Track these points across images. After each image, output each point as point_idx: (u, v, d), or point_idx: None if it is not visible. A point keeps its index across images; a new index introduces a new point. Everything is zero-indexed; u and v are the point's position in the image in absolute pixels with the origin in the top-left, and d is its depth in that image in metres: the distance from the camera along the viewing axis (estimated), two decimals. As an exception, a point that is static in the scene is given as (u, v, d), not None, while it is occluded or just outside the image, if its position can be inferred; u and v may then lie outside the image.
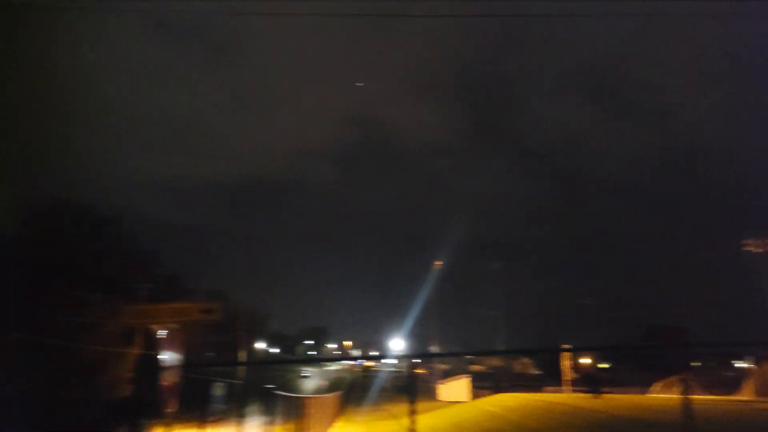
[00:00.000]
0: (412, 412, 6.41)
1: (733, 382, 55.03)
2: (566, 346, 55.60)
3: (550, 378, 68.32)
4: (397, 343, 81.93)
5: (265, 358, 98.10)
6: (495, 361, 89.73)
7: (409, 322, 75.62)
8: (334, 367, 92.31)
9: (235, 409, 25.80)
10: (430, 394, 53.82)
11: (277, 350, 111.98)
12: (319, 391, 51.54)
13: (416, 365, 76.83)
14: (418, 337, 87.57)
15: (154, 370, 28.61)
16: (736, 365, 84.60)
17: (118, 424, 32.02)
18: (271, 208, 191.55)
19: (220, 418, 30.59)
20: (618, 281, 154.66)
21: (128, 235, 43.48)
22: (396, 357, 63.44)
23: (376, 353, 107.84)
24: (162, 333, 31.71)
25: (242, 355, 48.48)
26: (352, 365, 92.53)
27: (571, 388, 47.73)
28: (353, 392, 57.62)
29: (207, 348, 47.20)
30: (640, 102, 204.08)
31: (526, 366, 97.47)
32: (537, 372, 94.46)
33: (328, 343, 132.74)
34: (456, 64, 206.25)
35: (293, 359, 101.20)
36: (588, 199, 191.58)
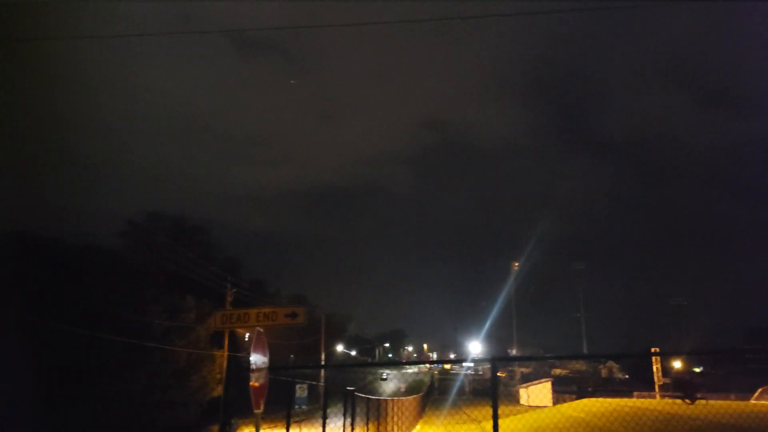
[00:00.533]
0: (495, 416, 6.34)
1: None
2: (655, 350, 52.69)
3: (639, 383, 65.02)
4: (475, 346, 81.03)
5: (346, 361, 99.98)
6: (579, 365, 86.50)
7: (488, 324, 74.57)
8: (412, 369, 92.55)
9: (318, 410, 26.56)
10: (511, 398, 52.79)
11: (354, 353, 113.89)
12: (398, 393, 51.91)
13: (498, 368, 75.43)
14: (497, 340, 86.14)
15: (242, 372, 30.04)
16: None
17: (210, 423, 33.84)
18: (351, 213, 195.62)
19: (304, 418, 31.58)
20: (713, 280, 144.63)
21: (216, 242, 46.09)
22: (475, 360, 62.68)
23: (455, 356, 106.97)
24: (248, 336, 33.17)
25: (323, 358, 49.76)
26: (431, 368, 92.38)
27: (661, 393, 45.16)
28: (432, 395, 57.53)
29: (291, 351, 48.88)
30: (733, 90, 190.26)
31: (613, 370, 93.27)
32: (624, 376, 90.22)
33: (406, 345, 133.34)
34: (534, 61, 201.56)
35: (374, 362, 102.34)
36: (679, 194, 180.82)
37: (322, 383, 42.64)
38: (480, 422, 24.98)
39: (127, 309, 27.32)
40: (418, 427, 30.42)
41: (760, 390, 46.20)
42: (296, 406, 38.31)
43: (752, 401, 42.72)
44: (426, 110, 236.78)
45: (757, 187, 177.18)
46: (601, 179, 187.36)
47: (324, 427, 9.74)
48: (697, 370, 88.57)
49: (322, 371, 43.91)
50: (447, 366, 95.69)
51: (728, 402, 40.15)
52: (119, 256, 33.86)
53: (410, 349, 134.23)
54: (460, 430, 25.16)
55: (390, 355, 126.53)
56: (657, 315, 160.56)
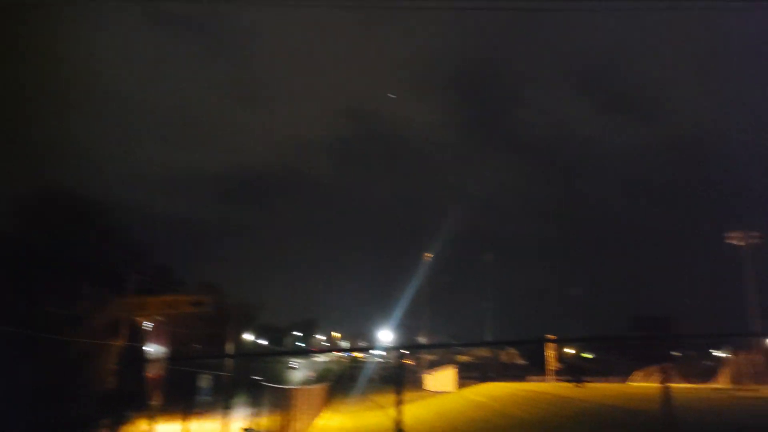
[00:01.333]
0: (399, 403, 6.51)
1: (711, 371, 56.14)
2: (551, 337, 56.23)
3: (536, 368, 69.19)
4: (386, 335, 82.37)
5: (253, 350, 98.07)
6: (482, 352, 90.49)
7: (399, 313, 76.13)
8: (322, 358, 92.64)
9: (222, 401, 25.90)
10: (417, 385, 54.30)
11: (265, 342, 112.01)
12: (307, 382, 51.79)
13: (404, 356, 77.35)
14: (407, 329, 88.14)
15: (139, 363, 28.59)
16: (714, 354, 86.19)
17: (103, 416, 32.01)
18: (267, 200, 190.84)
19: (206, 410, 30.71)
20: (608, 273, 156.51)
21: (119, 225, 43.24)
22: (384, 348, 63.83)
23: (365, 344, 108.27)
24: (149, 325, 31.65)
25: (230, 347, 48.49)
26: (340, 356, 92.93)
27: (555, 377, 48.43)
28: (341, 383, 57.95)
29: (195, 340, 47.15)
30: (634, 95, 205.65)
31: (512, 356, 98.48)
32: (523, 362, 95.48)
33: (316, 334, 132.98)
34: (454, 58, 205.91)
35: (282, 351, 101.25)
36: (582, 192, 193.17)
37: (228, 373, 41.61)
38: (386, 408, 25.51)
39: (15, 296, 25.16)
40: (325, 414, 30.55)
41: (637, 373, 50.77)
42: (200, 398, 37.12)
43: (630, 383, 46.84)
44: (349, 99, 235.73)
45: (650, 186, 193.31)
46: (514, 176, 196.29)
47: (227, 417, 9.55)
48: (588, 355, 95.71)
49: (228, 361, 42.82)
50: (358, 354, 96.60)
51: (611, 385, 43.78)
52: (10, 238, 30.98)
53: (322, 337, 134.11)
54: (366, 417, 25.56)
55: (301, 344, 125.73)
56: (557, 305, 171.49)
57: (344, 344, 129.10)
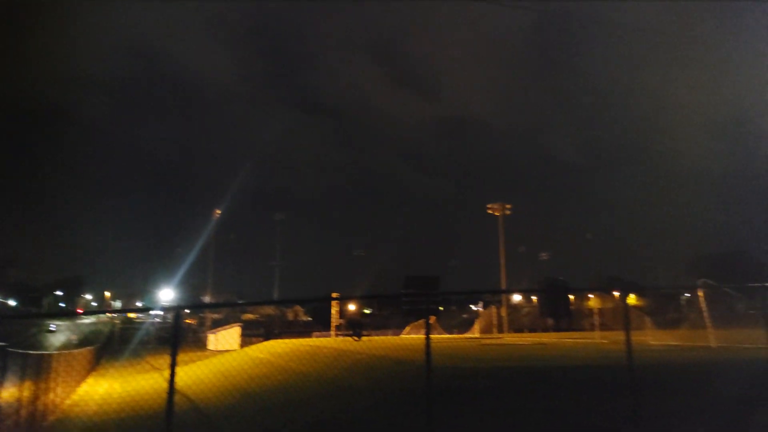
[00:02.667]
0: (174, 363, 6.25)
1: (469, 322, 65.23)
2: (335, 295, 59.07)
3: (320, 324, 72.27)
4: (167, 294, 77.75)
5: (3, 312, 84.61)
6: (268, 310, 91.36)
7: (182, 272, 72.15)
8: (89, 320, 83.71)
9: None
10: (200, 344, 52.69)
11: (13, 303, 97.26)
12: (69, 345, 46.37)
13: (183, 315, 74.02)
14: (191, 288, 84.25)
15: None
16: (473, 309, 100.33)
17: None
18: (30, 139, 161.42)
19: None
20: (387, 236, 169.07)
21: None
22: (163, 308, 60.21)
23: (143, 304, 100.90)
24: None
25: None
26: (112, 317, 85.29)
27: (336, 332, 51.25)
28: (110, 346, 53.23)
29: None
30: (421, 74, 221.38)
31: (298, 313, 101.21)
32: (308, 319, 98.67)
33: (84, 293, 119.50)
34: (253, 10, 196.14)
35: (40, 313, 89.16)
36: (369, 159, 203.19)
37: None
38: (162, 370, 24.18)
39: None
40: (90, 380, 27.79)
41: (409, 326, 56.38)
42: None
43: (403, 335, 51.81)
44: (133, 35, 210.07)
45: (427, 159, 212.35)
46: (308, 136, 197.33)
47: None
48: (367, 311, 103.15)
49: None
50: (132, 315, 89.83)
51: (387, 337, 47.90)
52: None
53: (89, 297, 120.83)
54: (138, 380, 23.92)
55: (63, 305, 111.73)
56: (343, 264, 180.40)
57: (117, 305, 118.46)
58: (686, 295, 65.90)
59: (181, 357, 6.96)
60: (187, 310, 73.45)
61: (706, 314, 26.22)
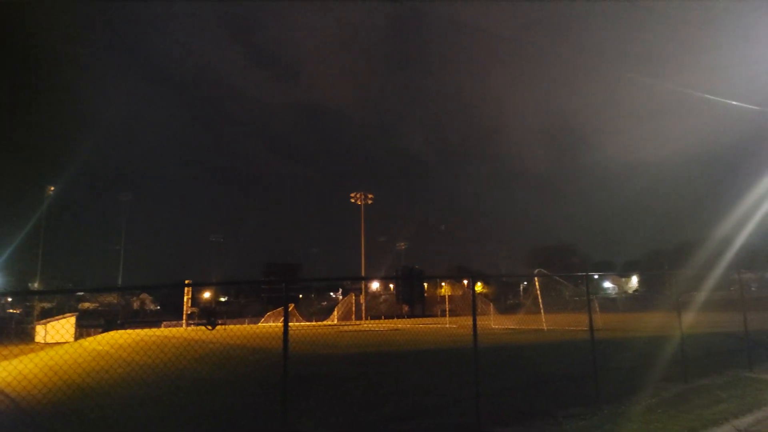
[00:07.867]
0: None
1: (328, 310, 65.76)
2: (187, 281, 55.99)
3: (170, 313, 68.19)
4: (-16, 280, 67.94)
5: None
6: (110, 298, 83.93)
7: (6, 255, 63.49)
8: None
9: None
10: (25, 336, 46.97)
11: None
12: None
13: (4, 303, 65.39)
14: (17, 273, 74.44)
15: None
16: (333, 296, 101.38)
17: None
18: None
19: None
20: (246, 221, 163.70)
21: None
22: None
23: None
24: None
25: None
26: None
27: (187, 321, 48.71)
28: None
29: None
30: (281, 57, 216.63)
31: (145, 302, 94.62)
32: (156, 308, 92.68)
33: None
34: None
35: None
36: (225, 139, 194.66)
37: None
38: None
39: None
40: None
41: (268, 314, 55.42)
42: None
43: (262, 323, 50.81)
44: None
45: (288, 145, 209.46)
46: (151, 110, 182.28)
47: None
48: (223, 299, 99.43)
49: None
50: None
51: (243, 326, 46.61)
52: None
53: None
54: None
55: None
56: (197, 250, 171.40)
57: None
58: (524, 283, 72.79)
59: (1, 351, 6.09)
60: (9, 299, 64.91)
61: (540, 300, 29.23)
